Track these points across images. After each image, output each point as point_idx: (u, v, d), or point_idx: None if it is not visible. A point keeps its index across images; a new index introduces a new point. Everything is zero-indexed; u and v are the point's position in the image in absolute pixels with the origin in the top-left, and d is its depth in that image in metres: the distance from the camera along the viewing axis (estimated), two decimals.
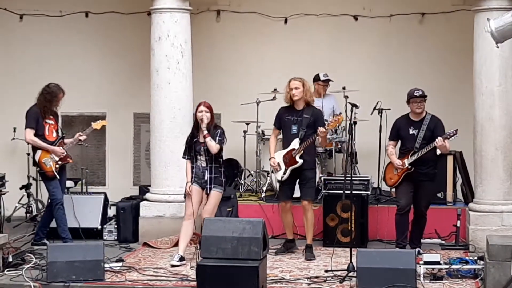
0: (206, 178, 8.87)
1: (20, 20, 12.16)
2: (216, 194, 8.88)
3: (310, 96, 9.29)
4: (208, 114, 8.82)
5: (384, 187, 10.38)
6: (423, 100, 9.10)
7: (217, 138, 8.78)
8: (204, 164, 8.91)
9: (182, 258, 8.93)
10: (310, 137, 9.11)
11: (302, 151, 9.11)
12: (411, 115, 9.20)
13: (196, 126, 8.92)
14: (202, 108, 8.85)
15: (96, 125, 9.83)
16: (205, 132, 8.75)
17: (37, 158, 9.46)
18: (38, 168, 9.59)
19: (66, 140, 9.68)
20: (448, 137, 8.88)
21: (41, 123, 9.45)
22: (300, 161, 9.12)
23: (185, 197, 9.01)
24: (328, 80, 11.04)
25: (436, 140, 8.84)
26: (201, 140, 8.87)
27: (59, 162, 9.47)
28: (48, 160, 9.42)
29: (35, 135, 9.42)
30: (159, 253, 9.41)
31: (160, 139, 10.06)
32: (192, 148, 8.93)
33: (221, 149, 8.88)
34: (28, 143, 9.65)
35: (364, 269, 7.72)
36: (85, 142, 10.05)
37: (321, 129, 8.99)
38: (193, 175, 8.92)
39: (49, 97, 9.48)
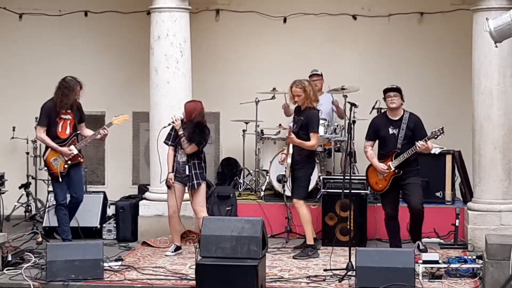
0: (187, 173, 9.07)
1: (19, 19, 12.15)
2: (204, 186, 9.19)
3: (314, 100, 9.25)
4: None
5: None
6: (397, 94, 8.89)
7: (196, 141, 9.01)
8: (184, 159, 9.10)
9: (178, 248, 9.25)
10: (302, 138, 9.14)
11: (291, 151, 9.23)
12: (389, 113, 9.03)
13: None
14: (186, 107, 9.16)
15: (117, 120, 9.57)
16: (180, 132, 9.02)
17: (45, 157, 9.34)
18: (46, 168, 9.43)
19: (84, 132, 9.46)
20: (435, 137, 8.73)
21: (53, 119, 9.26)
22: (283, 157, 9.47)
23: (168, 186, 9.15)
24: (314, 75, 11.02)
25: (417, 144, 8.71)
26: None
27: (69, 162, 9.30)
28: (57, 160, 9.26)
29: (48, 131, 9.31)
30: (158, 252, 9.42)
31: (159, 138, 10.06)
32: (176, 138, 9.10)
33: (202, 146, 9.13)
34: (39, 141, 9.53)
35: (363, 268, 7.73)
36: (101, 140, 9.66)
37: None
38: (173, 168, 9.13)
39: (66, 91, 9.24)
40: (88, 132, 9.55)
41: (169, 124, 9.11)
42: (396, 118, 8.96)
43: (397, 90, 8.93)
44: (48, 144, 9.30)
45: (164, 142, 9.24)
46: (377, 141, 9.23)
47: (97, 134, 9.42)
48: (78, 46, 12.08)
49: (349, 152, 9.01)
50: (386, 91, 8.99)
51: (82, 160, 9.49)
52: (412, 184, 8.97)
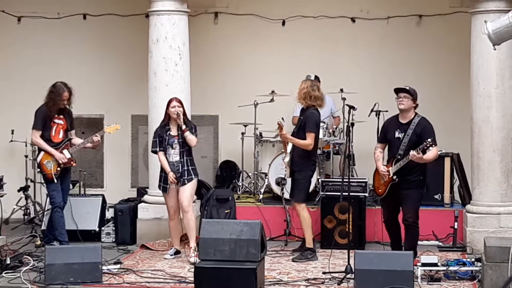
0: (181, 171, 9.07)
1: (18, 22, 12.16)
2: (194, 182, 9.19)
3: (305, 98, 9.25)
4: (181, 109, 9.08)
5: None
6: (407, 96, 8.57)
7: (195, 133, 9.12)
8: (177, 158, 9.10)
9: (177, 252, 9.27)
10: (301, 138, 9.13)
11: (290, 152, 9.23)
12: (400, 115, 8.75)
13: (168, 120, 9.13)
14: (175, 103, 9.11)
15: (109, 129, 9.68)
16: (184, 126, 9.00)
17: (38, 159, 9.42)
18: (39, 170, 9.53)
19: (74, 141, 9.56)
20: (425, 148, 8.33)
21: (48, 124, 9.36)
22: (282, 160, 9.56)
23: (164, 190, 9.15)
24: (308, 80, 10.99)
25: (409, 154, 8.35)
26: (174, 133, 9.08)
27: (61, 165, 9.38)
28: (50, 162, 9.34)
29: (42, 135, 9.36)
30: (157, 255, 9.41)
31: None
32: (163, 141, 9.08)
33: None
34: (33, 144, 9.64)
35: (361, 270, 7.73)
36: (94, 146, 9.68)
37: None
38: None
39: (53, 96, 9.34)
40: (77, 140, 9.63)
41: (177, 115, 9.05)
42: (405, 122, 8.66)
43: (407, 91, 8.60)
44: (43, 147, 9.37)
45: (153, 152, 9.25)
46: None
47: (88, 141, 9.50)
48: (77, 49, 12.09)
49: (347, 154, 9.00)
50: (395, 91, 8.72)
51: (74, 164, 9.60)
52: (407, 197, 8.60)
